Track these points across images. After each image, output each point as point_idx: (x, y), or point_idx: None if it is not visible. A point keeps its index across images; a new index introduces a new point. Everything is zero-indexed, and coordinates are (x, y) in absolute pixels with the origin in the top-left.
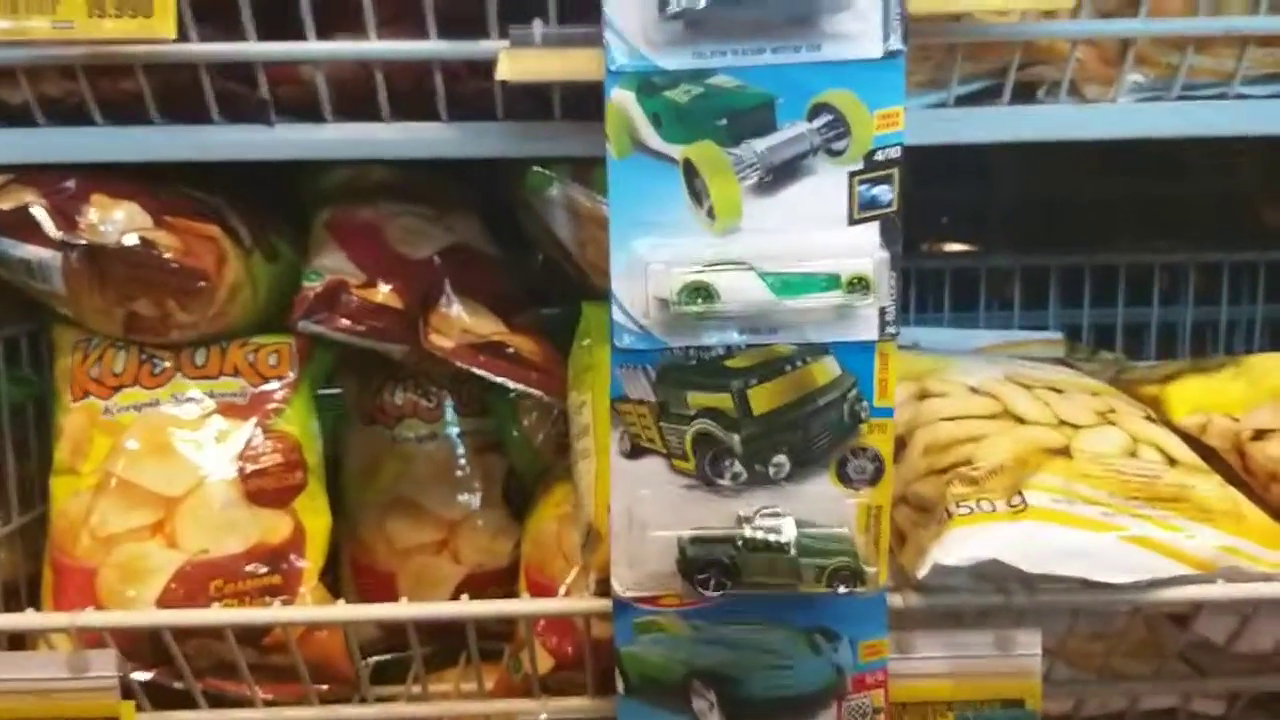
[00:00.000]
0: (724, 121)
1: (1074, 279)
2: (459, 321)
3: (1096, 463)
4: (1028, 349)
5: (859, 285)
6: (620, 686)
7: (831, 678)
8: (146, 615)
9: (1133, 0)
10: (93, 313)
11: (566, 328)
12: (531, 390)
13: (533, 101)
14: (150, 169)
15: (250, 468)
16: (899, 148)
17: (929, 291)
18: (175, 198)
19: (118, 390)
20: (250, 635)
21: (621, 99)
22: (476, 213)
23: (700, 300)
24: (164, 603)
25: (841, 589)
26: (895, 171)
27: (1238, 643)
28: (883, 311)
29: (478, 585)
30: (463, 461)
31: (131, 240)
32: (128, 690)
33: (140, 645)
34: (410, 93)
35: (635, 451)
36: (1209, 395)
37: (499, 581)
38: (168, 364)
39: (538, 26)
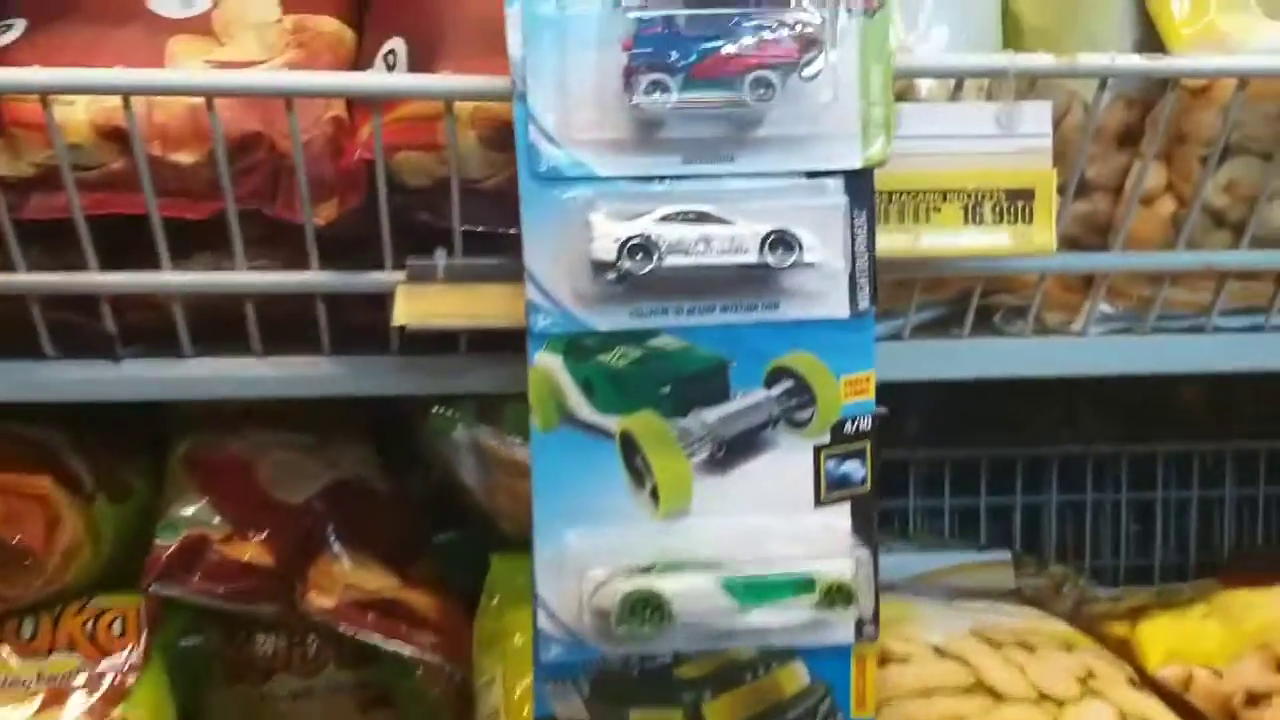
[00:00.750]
0: (668, 389)
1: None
2: (343, 576)
3: None
4: (977, 575)
5: (838, 595)
6: None
7: None
8: None
9: (1098, 228)
10: None
11: (472, 558)
12: (429, 658)
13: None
14: None
15: None
16: (871, 417)
17: None
18: (3, 440)
19: None
20: None
21: (547, 364)
22: (365, 436)
23: (650, 616)
24: None
25: None
26: (868, 445)
27: None
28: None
29: None
30: None
31: None
32: None
33: None
34: (288, 319)
35: None
36: (1184, 640)
37: None
38: None
39: (440, 257)
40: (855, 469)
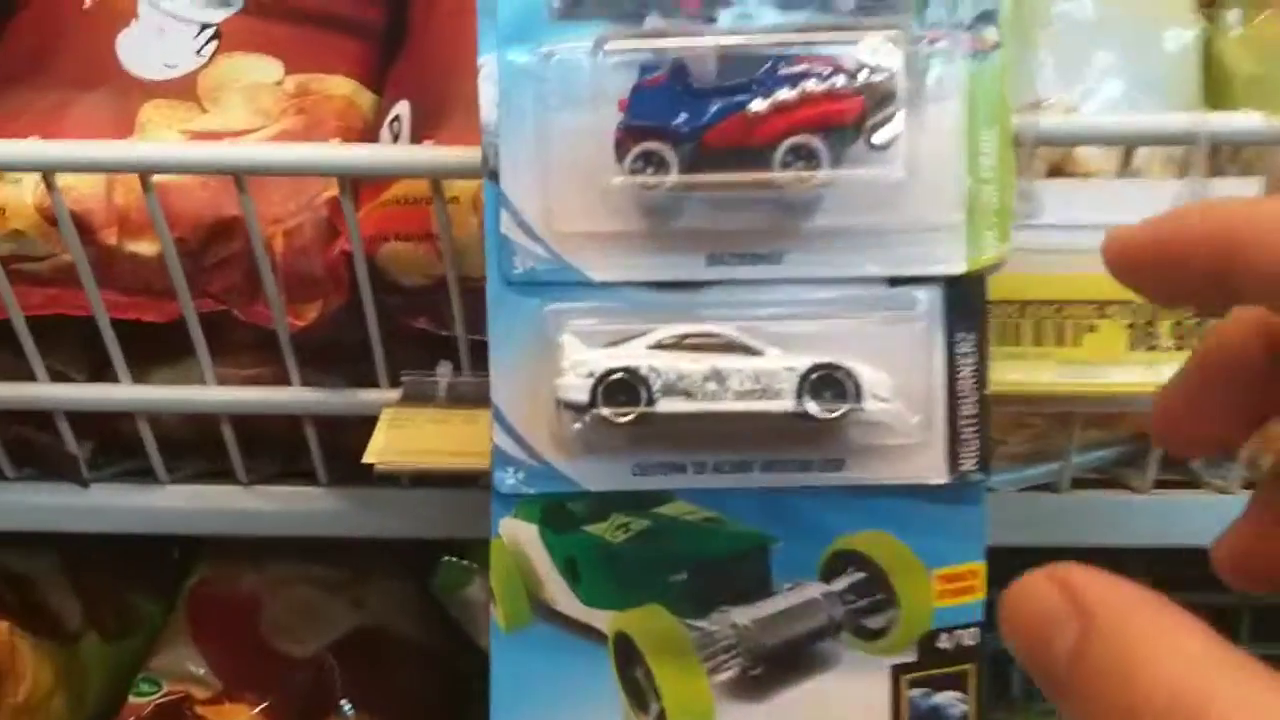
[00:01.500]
0: (684, 577)
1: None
2: None
3: None
4: None
5: None
6: None
7: None
8: None
9: None
10: None
11: None
12: None
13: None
14: None
15: None
16: (978, 630)
17: None
18: None
19: None
20: None
21: (515, 536)
22: (404, 569)
23: None
24: None
25: None
26: (971, 669)
27: None
28: None
29: None
30: None
31: None
32: None
33: None
34: (280, 438)
35: None
36: None
37: None
38: None
39: (444, 373)
40: (953, 704)
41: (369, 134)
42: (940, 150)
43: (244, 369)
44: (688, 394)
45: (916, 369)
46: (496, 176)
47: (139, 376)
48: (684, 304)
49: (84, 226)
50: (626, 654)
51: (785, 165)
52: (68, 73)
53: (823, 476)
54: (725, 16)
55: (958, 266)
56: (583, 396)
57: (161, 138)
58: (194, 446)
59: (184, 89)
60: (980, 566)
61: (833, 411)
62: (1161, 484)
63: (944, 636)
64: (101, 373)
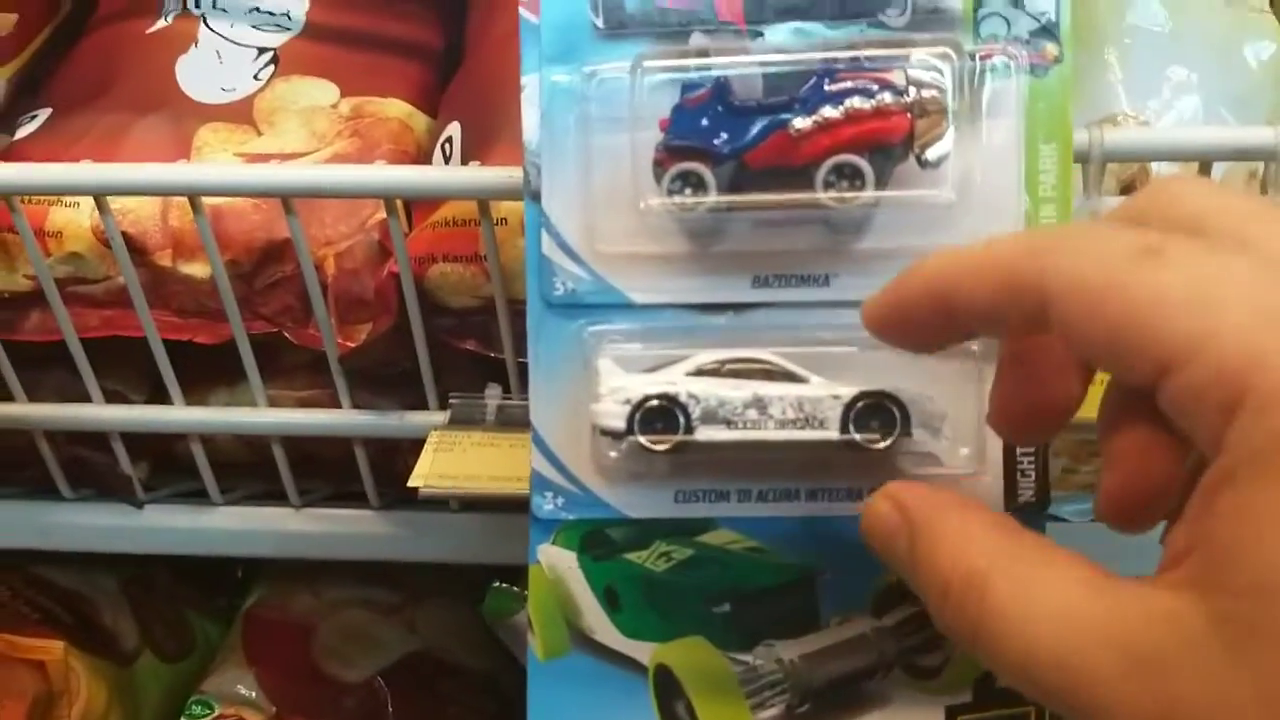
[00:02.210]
0: (727, 608)
1: None
2: None
3: None
4: None
5: None
6: None
7: None
8: None
9: None
10: None
11: None
12: None
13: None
14: None
15: None
16: None
17: None
18: (21, 588)
19: None
20: None
21: (554, 563)
22: (459, 594)
23: None
24: None
25: None
26: (1031, 712)
27: None
28: None
29: None
30: None
31: None
32: None
33: None
34: (332, 460)
35: None
36: None
37: None
38: None
39: (493, 396)
40: None
41: (423, 156)
42: (996, 168)
43: (298, 390)
44: (728, 422)
45: (968, 398)
46: (538, 197)
47: (198, 398)
48: (727, 327)
49: (139, 248)
50: (667, 687)
51: (828, 185)
52: (128, 96)
53: None
54: (772, 34)
55: None
56: (620, 423)
57: (216, 160)
58: (248, 468)
59: (240, 112)
60: None
61: (880, 442)
62: None
63: None
64: (158, 394)
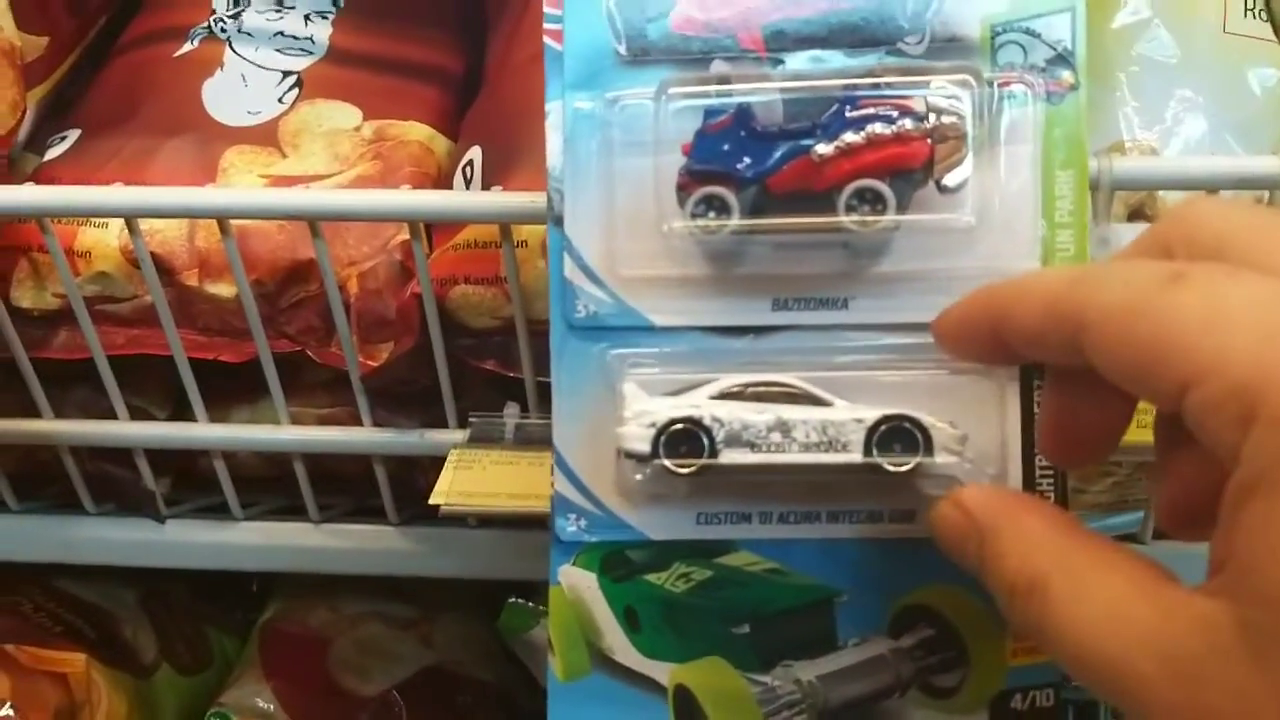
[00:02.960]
0: (746, 629)
1: None
2: None
3: None
4: None
5: None
6: None
7: None
8: None
9: None
10: None
11: None
12: None
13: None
14: None
15: None
16: (1053, 691)
17: None
18: (44, 601)
19: None
20: None
21: (575, 584)
22: (473, 608)
23: None
24: None
25: None
26: None
27: None
28: None
29: None
30: None
31: None
32: None
33: None
34: (353, 477)
35: None
36: None
37: None
38: None
39: (511, 415)
40: None
41: (443, 179)
42: (1014, 194)
43: (319, 408)
44: (752, 445)
45: (989, 421)
46: (561, 221)
47: (220, 415)
48: (748, 350)
49: (166, 268)
50: (686, 708)
51: (850, 209)
52: (156, 119)
53: (892, 529)
54: (792, 61)
55: None
56: (645, 447)
57: (242, 183)
58: (269, 484)
59: (265, 135)
60: None
61: (903, 465)
62: None
63: (1018, 697)
64: (183, 410)
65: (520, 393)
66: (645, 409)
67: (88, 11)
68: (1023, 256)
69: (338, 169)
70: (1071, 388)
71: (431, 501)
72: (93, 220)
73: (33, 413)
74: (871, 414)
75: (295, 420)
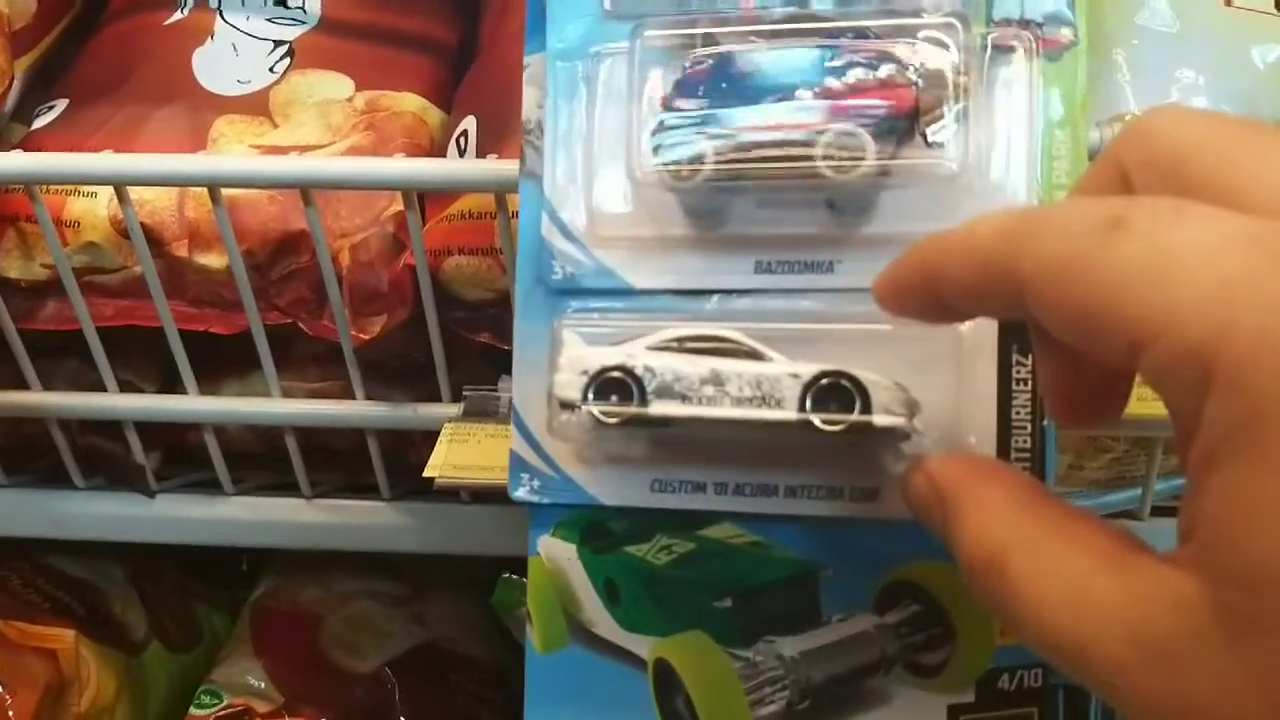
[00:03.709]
0: (728, 603)
1: None
2: None
3: None
4: None
5: None
6: None
7: None
8: None
9: None
10: None
11: None
12: None
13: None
14: None
15: None
16: (1041, 671)
17: None
18: (32, 577)
19: None
20: None
21: (554, 554)
22: (462, 591)
23: None
24: None
25: None
26: (1034, 713)
27: None
28: None
29: None
30: None
31: None
32: None
33: None
34: (344, 452)
35: None
36: None
37: None
38: None
39: (506, 389)
40: None
41: (436, 150)
42: (1008, 154)
43: (310, 382)
44: (683, 397)
45: (974, 385)
46: (536, 178)
47: (209, 389)
48: (725, 312)
49: (155, 239)
50: (667, 682)
51: (827, 157)
52: (145, 88)
53: (853, 507)
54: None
55: None
56: (575, 394)
57: (233, 152)
58: (259, 459)
59: (256, 105)
60: None
61: (835, 425)
62: None
63: (1005, 677)
64: (171, 384)
65: (509, 365)
66: (579, 355)
67: None
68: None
69: (330, 139)
70: (1060, 343)
71: (426, 474)
72: (81, 190)
73: (21, 386)
74: (809, 369)
75: (285, 394)
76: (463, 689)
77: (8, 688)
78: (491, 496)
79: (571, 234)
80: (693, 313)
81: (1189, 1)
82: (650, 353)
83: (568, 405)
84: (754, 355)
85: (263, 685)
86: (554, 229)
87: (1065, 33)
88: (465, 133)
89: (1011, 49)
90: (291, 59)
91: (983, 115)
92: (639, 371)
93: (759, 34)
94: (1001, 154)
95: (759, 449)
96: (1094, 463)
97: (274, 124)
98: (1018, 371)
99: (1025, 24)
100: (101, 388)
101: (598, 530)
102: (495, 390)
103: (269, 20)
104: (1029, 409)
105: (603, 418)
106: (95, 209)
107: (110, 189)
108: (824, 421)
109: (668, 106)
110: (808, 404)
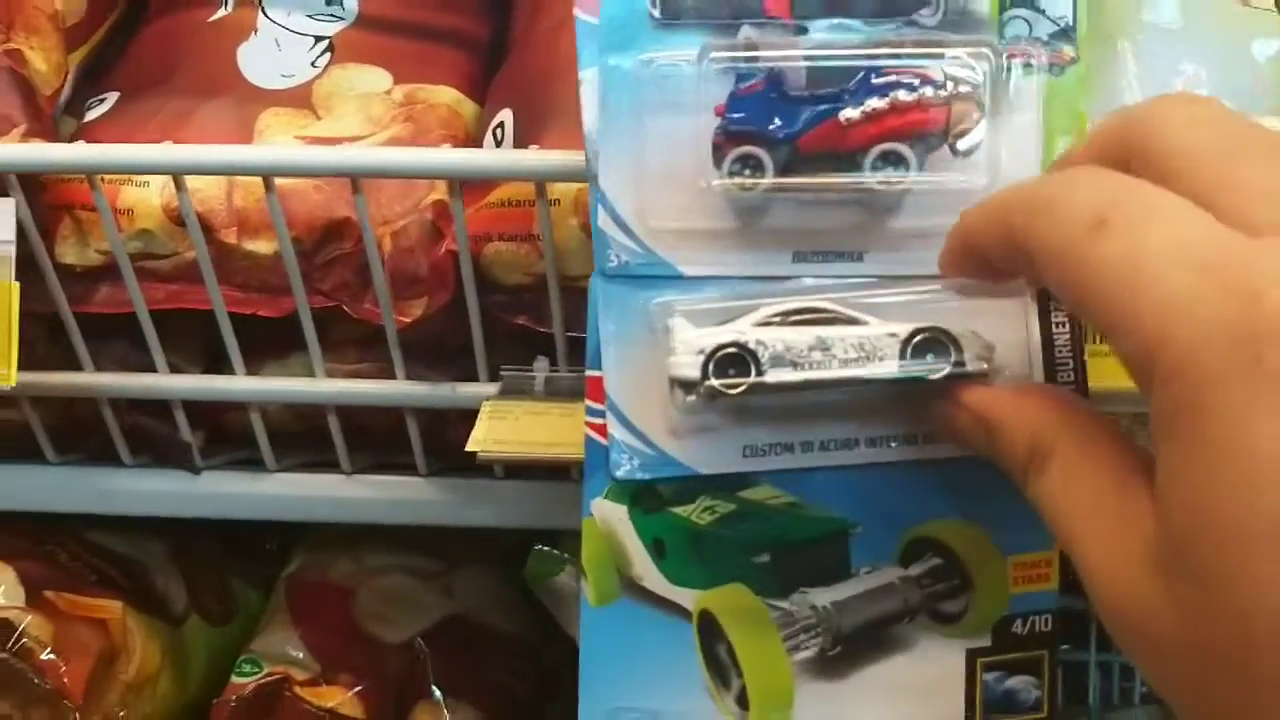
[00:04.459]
0: (766, 558)
1: None
2: None
3: None
4: None
5: None
6: None
7: None
8: None
9: None
10: None
11: None
12: None
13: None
14: None
15: None
16: (1051, 616)
17: None
18: (79, 551)
19: None
20: None
21: (606, 516)
22: (492, 565)
23: None
24: None
25: None
26: (1046, 655)
27: None
28: None
29: None
30: None
31: None
32: None
33: None
34: (381, 431)
35: None
36: None
37: None
38: None
39: (541, 369)
40: (1026, 688)
41: (471, 141)
42: (1018, 158)
43: (348, 364)
44: (795, 364)
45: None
46: (598, 179)
47: (251, 370)
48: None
49: (206, 226)
50: (710, 630)
51: (875, 169)
52: (192, 82)
53: (928, 450)
54: (815, 28)
55: None
56: (695, 373)
57: (279, 143)
58: (299, 438)
59: (299, 98)
60: (1053, 555)
61: (939, 371)
62: None
63: (1018, 622)
64: (213, 367)
65: (544, 347)
66: (692, 337)
67: None
68: None
69: (371, 130)
70: None
71: (468, 448)
72: (134, 179)
73: (71, 368)
74: (904, 327)
75: (325, 375)
76: (493, 659)
77: (62, 656)
78: (524, 472)
79: (626, 225)
80: (741, 297)
81: None
82: (757, 328)
83: (687, 384)
84: (851, 321)
85: (301, 655)
86: (610, 221)
87: (1067, 50)
88: (502, 124)
89: (1022, 65)
90: (332, 54)
91: (999, 125)
92: (752, 346)
93: (806, 54)
94: (1013, 158)
95: (839, 407)
96: None
97: (317, 116)
98: (1055, 316)
99: (1033, 42)
100: (148, 369)
101: (647, 492)
102: (531, 370)
103: (310, 16)
104: (1069, 348)
105: (725, 390)
106: (148, 197)
107: (161, 179)
108: (928, 371)
109: (724, 116)
110: (908, 357)
